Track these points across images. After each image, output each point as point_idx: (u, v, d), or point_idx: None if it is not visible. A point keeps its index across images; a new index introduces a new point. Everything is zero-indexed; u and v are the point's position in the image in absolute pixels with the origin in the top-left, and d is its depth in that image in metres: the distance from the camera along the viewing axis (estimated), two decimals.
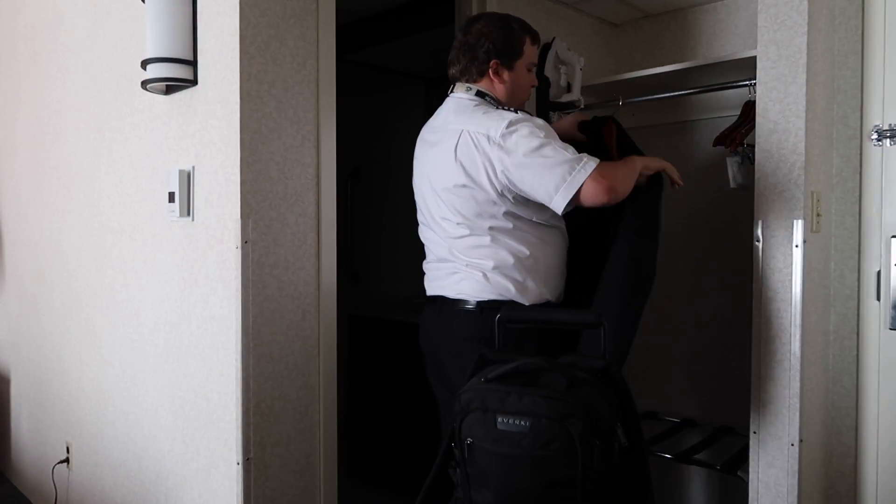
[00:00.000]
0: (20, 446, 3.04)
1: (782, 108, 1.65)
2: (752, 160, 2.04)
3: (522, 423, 1.33)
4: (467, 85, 1.77)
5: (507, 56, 1.74)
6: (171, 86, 1.91)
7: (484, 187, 1.65)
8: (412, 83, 3.57)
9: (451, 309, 1.73)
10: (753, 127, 2.01)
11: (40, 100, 2.76)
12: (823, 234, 1.75)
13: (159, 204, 2.03)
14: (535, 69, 1.83)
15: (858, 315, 1.79)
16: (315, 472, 1.89)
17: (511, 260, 1.69)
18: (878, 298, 1.75)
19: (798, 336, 1.62)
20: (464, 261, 1.72)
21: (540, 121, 1.68)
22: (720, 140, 2.06)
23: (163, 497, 2.09)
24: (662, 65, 2.31)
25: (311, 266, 1.86)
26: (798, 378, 1.62)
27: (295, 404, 1.83)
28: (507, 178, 1.62)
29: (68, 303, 2.59)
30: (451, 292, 1.74)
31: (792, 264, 1.63)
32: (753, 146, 2.04)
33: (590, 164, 1.59)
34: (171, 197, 1.92)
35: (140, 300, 2.16)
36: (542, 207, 1.67)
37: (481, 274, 1.69)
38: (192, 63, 1.85)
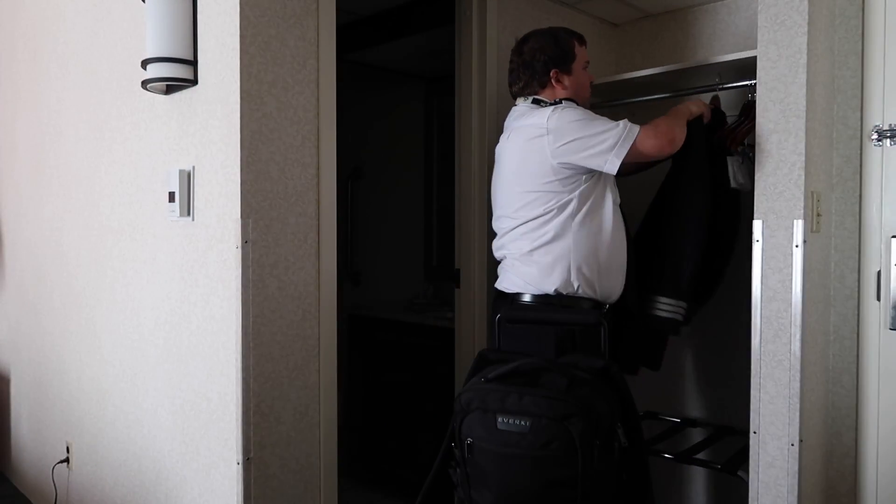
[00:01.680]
0: (20, 446, 3.04)
1: (782, 108, 1.65)
2: (752, 159, 2.04)
3: (523, 422, 1.33)
4: (525, 97, 1.95)
5: (563, 62, 1.92)
6: (172, 85, 1.91)
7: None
8: (412, 83, 3.57)
9: None
10: (753, 126, 2.01)
11: (40, 99, 2.76)
12: (823, 234, 1.75)
13: (159, 204, 2.03)
14: (588, 66, 1.99)
15: (858, 315, 1.79)
16: (315, 472, 1.89)
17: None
18: (879, 298, 1.75)
19: (798, 336, 1.62)
20: None
21: (580, 109, 1.87)
22: (719, 138, 2.06)
23: (163, 497, 2.09)
24: (662, 65, 2.31)
25: (312, 266, 1.86)
26: (798, 378, 1.62)
27: (295, 404, 1.83)
28: (560, 155, 1.79)
29: (68, 303, 2.59)
30: None
31: (792, 264, 1.63)
32: (754, 145, 2.04)
33: (635, 126, 1.80)
34: (172, 197, 1.92)
35: (140, 300, 2.16)
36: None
37: None
38: (193, 63, 1.85)
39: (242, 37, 1.70)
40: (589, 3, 2.56)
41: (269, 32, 1.75)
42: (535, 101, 1.92)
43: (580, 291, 1.81)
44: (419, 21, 2.87)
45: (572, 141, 1.77)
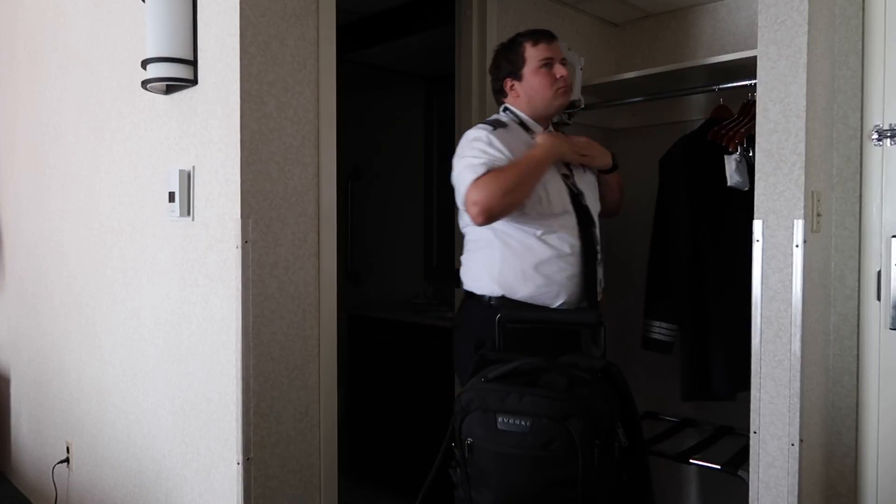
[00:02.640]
0: (20, 446, 3.03)
1: (783, 108, 1.65)
2: (749, 159, 2.05)
3: (523, 422, 1.33)
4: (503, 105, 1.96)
5: (513, 71, 1.90)
6: (172, 85, 1.91)
7: None
8: (412, 83, 3.57)
9: None
10: (752, 126, 2.01)
11: (40, 100, 2.76)
12: (824, 234, 1.75)
13: (159, 204, 2.03)
14: (553, 63, 1.88)
15: (859, 315, 1.79)
16: (315, 472, 1.89)
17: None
18: (879, 298, 1.75)
19: (798, 336, 1.62)
20: None
21: (483, 134, 1.79)
22: (715, 136, 2.06)
23: (163, 497, 2.09)
24: (662, 65, 2.31)
25: (312, 266, 1.86)
26: (798, 378, 1.62)
27: (295, 404, 1.83)
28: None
29: (68, 303, 2.59)
30: None
31: (792, 264, 1.63)
32: (752, 145, 2.04)
33: (479, 169, 1.71)
34: (172, 197, 1.92)
35: (140, 300, 2.16)
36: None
37: None
38: (193, 63, 1.85)
39: (242, 37, 1.70)
40: (589, 3, 2.56)
41: (269, 32, 1.75)
42: (506, 110, 1.94)
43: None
44: (419, 21, 2.87)
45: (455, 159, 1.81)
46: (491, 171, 1.70)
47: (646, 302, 2.22)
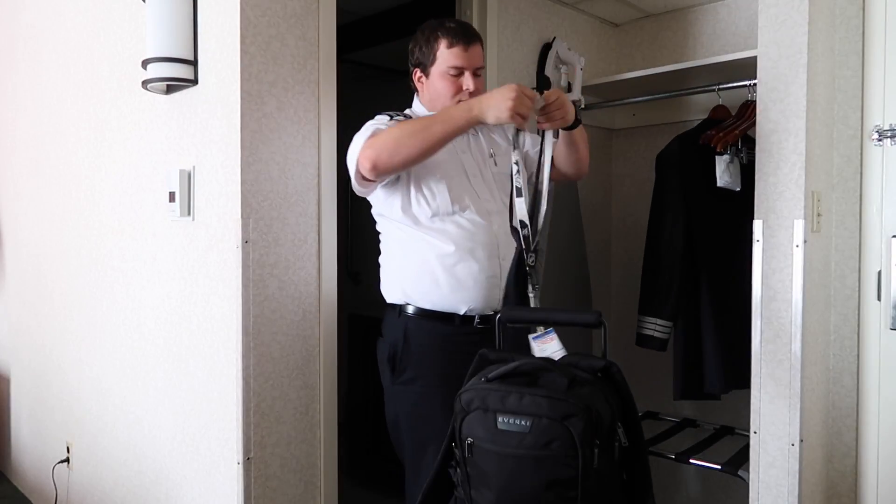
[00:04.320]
0: (20, 446, 3.03)
1: (783, 108, 1.65)
2: (741, 160, 2.05)
3: (523, 422, 1.33)
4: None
5: (422, 64, 1.74)
6: (172, 85, 1.91)
7: None
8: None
9: None
10: (747, 127, 2.01)
11: (40, 100, 2.76)
12: (824, 234, 1.75)
13: (160, 203, 2.03)
14: (462, 73, 1.68)
15: (859, 315, 1.79)
16: (315, 472, 1.89)
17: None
18: (879, 298, 1.75)
19: (798, 336, 1.62)
20: None
21: (380, 117, 1.71)
22: (706, 139, 2.07)
23: (163, 497, 2.09)
24: (662, 65, 2.31)
25: (312, 266, 1.86)
26: (798, 378, 1.62)
27: (295, 404, 1.83)
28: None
29: (68, 303, 2.59)
30: None
31: (792, 264, 1.63)
32: (747, 145, 2.05)
33: (371, 126, 1.61)
34: (172, 196, 1.92)
35: (140, 300, 2.16)
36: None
37: None
38: (193, 63, 1.85)
39: (243, 37, 1.70)
40: (589, 3, 2.56)
41: (269, 32, 1.75)
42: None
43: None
44: (419, 21, 2.86)
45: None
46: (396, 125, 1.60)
47: (640, 298, 2.22)
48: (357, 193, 1.71)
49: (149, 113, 2.08)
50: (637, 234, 2.50)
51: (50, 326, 2.73)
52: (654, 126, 2.65)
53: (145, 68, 1.86)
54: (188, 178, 1.89)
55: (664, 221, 2.17)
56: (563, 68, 2.49)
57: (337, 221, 1.93)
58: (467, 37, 1.69)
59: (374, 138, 1.58)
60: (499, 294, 1.73)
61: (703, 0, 2.52)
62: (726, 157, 2.03)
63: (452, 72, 1.68)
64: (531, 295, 1.72)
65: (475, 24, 2.27)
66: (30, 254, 2.89)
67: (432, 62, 1.71)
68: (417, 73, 1.76)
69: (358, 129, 1.70)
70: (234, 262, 1.73)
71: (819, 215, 1.69)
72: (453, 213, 1.68)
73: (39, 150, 2.78)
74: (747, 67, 1.98)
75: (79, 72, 2.47)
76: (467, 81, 1.68)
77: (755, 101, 1.73)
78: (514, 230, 1.72)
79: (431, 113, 1.71)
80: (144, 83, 1.89)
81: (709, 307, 2.10)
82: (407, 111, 1.81)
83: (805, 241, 1.62)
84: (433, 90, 1.73)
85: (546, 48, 2.45)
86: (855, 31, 1.78)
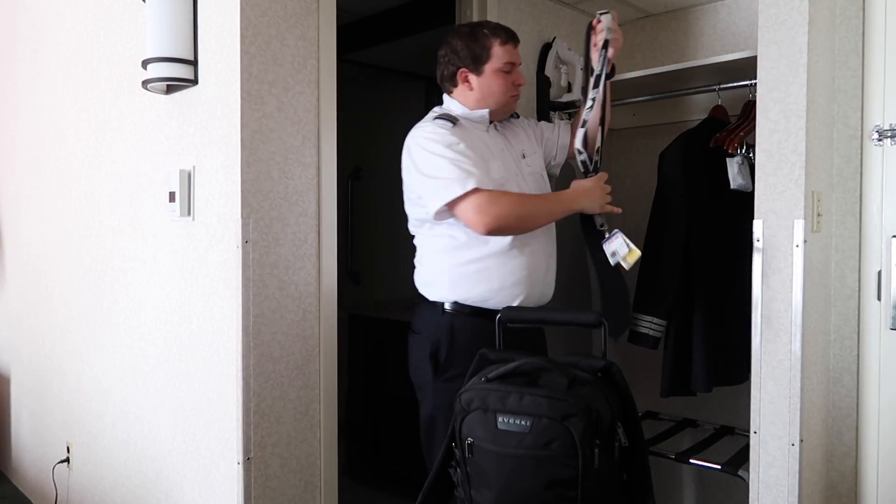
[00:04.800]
0: (20, 446, 3.04)
1: (783, 108, 1.65)
2: (751, 161, 2.05)
3: (523, 422, 1.33)
4: (445, 96, 1.87)
5: (474, 62, 1.80)
6: (172, 85, 1.91)
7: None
8: (412, 83, 3.57)
9: None
10: (753, 128, 2.01)
11: (40, 99, 2.76)
12: (824, 234, 1.75)
13: (160, 203, 2.03)
14: (513, 69, 1.82)
15: (859, 315, 1.79)
16: (315, 472, 1.89)
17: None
18: (879, 298, 1.75)
19: (798, 336, 1.62)
20: None
21: (442, 133, 1.73)
22: (719, 141, 2.07)
23: (163, 497, 2.09)
24: (663, 65, 2.31)
25: (312, 266, 1.86)
26: (798, 378, 1.62)
27: (295, 404, 1.83)
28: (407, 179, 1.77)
29: (68, 303, 2.59)
30: None
31: (792, 264, 1.63)
32: (753, 146, 2.04)
33: (470, 182, 1.65)
34: (172, 196, 1.92)
35: (140, 300, 2.16)
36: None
37: None
38: (193, 63, 1.85)
39: (243, 37, 1.70)
40: (589, 3, 2.56)
41: (269, 32, 1.75)
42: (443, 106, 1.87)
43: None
44: (419, 21, 2.87)
45: (409, 169, 1.76)
46: (515, 195, 1.73)
47: (636, 295, 2.21)
48: (434, 219, 1.74)
49: (149, 113, 2.08)
50: (637, 234, 2.49)
51: (50, 326, 2.73)
52: (654, 126, 2.65)
53: (145, 68, 1.86)
54: (188, 178, 1.90)
55: (666, 219, 2.16)
56: (563, 68, 2.49)
57: (337, 221, 1.93)
58: (515, 37, 1.83)
59: (489, 203, 1.66)
60: (548, 290, 1.86)
61: (703, 0, 2.52)
62: (738, 158, 2.02)
63: (507, 68, 1.80)
64: (603, 228, 1.85)
65: None
66: (30, 254, 2.89)
67: (487, 59, 1.79)
68: (464, 73, 1.81)
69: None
70: (234, 262, 1.73)
71: (819, 215, 1.69)
72: None
73: (39, 150, 2.78)
74: (747, 67, 1.98)
75: (79, 72, 2.47)
76: (519, 77, 1.83)
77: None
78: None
79: (477, 111, 1.81)
80: (144, 83, 1.89)
81: (702, 306, 2.10)
82: (439, 110, 1.85)
83: (805, 241, 1.62)
84: (486, 87, 1.80)
85: (546, 48, 2.45)
86: (855, 31, 1.78)
